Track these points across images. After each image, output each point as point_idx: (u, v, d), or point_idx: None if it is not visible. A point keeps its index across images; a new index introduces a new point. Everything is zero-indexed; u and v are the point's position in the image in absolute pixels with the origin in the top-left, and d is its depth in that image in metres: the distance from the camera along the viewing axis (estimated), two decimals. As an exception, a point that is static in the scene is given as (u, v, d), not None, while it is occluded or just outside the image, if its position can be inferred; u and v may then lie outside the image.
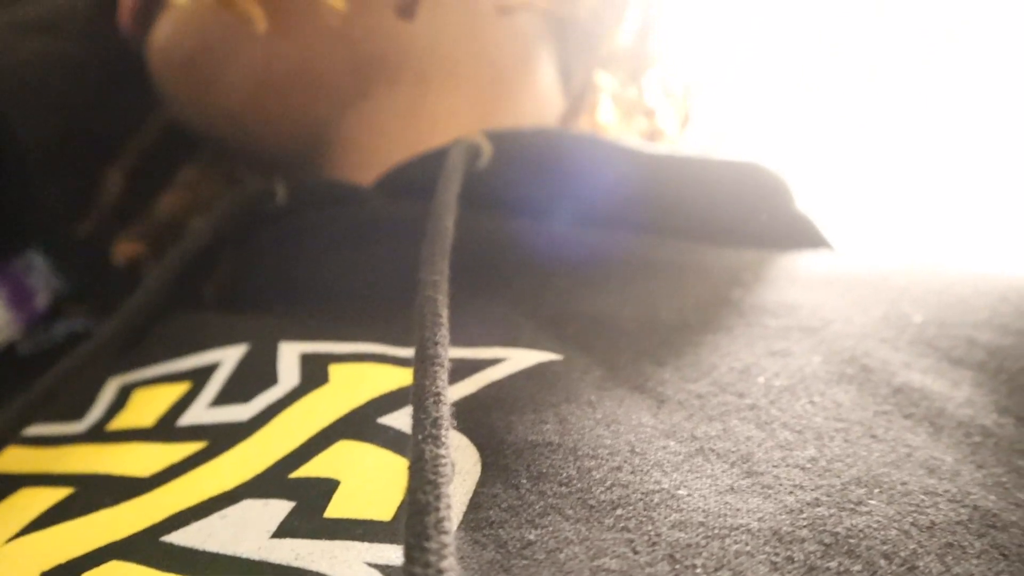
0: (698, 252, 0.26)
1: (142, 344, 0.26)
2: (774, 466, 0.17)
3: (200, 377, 0.23)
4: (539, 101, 0.32)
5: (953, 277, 0.24)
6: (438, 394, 0.16)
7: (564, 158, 0.27)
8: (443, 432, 0.15)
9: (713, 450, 0.17)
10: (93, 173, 0.36)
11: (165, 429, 0.22)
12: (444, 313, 0.18)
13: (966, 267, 0.25)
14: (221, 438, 0.20)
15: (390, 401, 0.19)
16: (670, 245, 0.26)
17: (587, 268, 0.24)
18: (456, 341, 0.20)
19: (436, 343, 0.17)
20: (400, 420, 0.18)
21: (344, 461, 0.18)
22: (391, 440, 0.18)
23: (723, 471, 0.17)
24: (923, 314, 0.22)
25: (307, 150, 0.31)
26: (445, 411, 0.15)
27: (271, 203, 0.28)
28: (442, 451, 0.14)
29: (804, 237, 0.29)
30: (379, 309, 0.23)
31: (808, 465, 0.17)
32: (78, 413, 0.24)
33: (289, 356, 0.22)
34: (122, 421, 0.23)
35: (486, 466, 0.17)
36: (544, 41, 0.32)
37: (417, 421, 0.15)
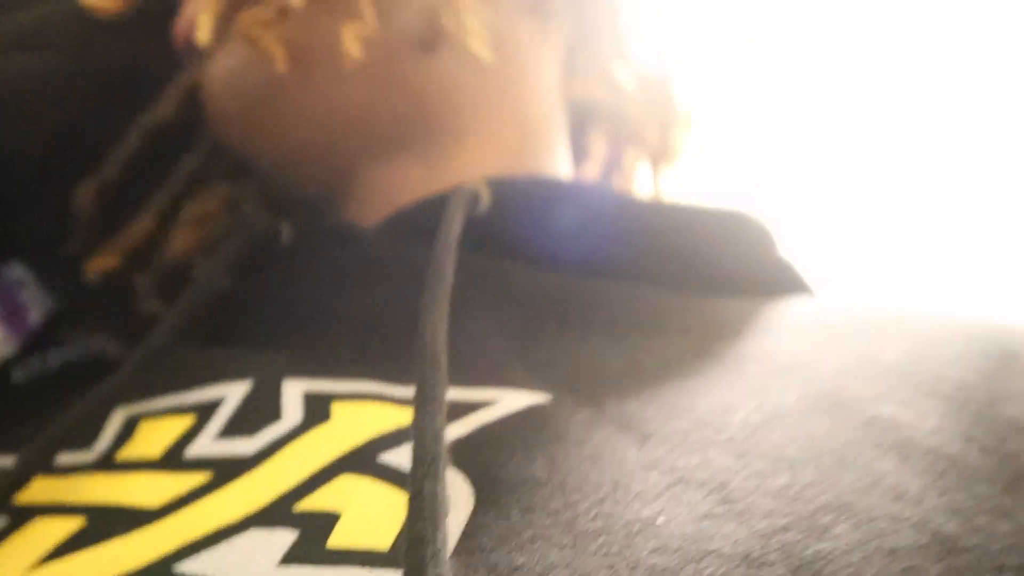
0: (683, 305, 0.28)
1: (147, 375, 0.28)
2: (748, 494, 0.19)
3: (205, 411, 0.25)
4: (557, 165, 0.34)
5: (922, 323, 0.27)
6: (437, 433, 0.18)
7: (558, 205, 0.29)
8: (441, 469, 0.17)
9: (692, 480, 0.19)
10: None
11: (172, 460, 0.23)
12: (443, 358, 0.20)
13: (935, 313, 0.28)
14: (227, 470, 0.22)
15: (390, 440, 0.21)
16: (658, 296, 0.28)
17: (577, 316, 0.27)
18: (453, 380, 0.22)
19: (435, 385, 0.19)
20: (399, 458, 0.20)
21: (346, 494, 0.20)
22: (391, 476, 0.20)
23: (701, 499, 0.19)
24: (894, 354, 0.24)
25: (333, 190, 0.33)
26: (443, 450, 0.17)
27: (276, 242, 0.30)
28: (440, 487, 0.16)
29: (786, 283, 0.31)
30: (380, 347, 0.25)
31: (780, 493, 0.19)
32: (86, 442, 0.26)
33: (293, 393, 0.24)
34: (130, 451, 0.25)
35: (479, 501, 0.19)
36: (563, 110, 0.36)
37: (417, 458, 0.17)
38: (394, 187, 0.31)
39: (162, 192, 0.38)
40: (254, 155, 0.34)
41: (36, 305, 0.39)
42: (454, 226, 0.25)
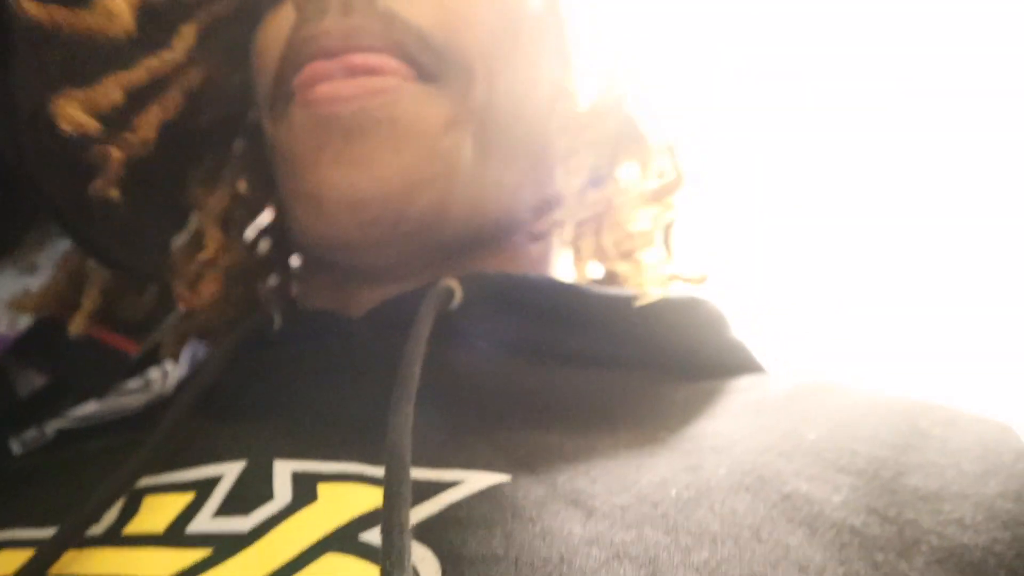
0: (638, 392, 0.33)
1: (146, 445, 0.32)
2: (674, 567, 0.23)
3: (204, 488, 0.29)
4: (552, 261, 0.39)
5: (845, 402, 0.32)
6: (402, 526, 0.22)
7: (524, 299, 0.33)
8: (406, 557, 0.22)
9: (627, 554, 0.24)
10: None
11: (175, 535, 0.28)
12: (407, 455, 0.25)
13: (860, 389, 0.33)
14: (225, 546, 0.26)
15: (368, 520, 0.25)
16: (616, 383, 0.33)
17: (540, 403, 0.31)
18: (424, 461, 0.27)
19: (401, 482, 0.23)
20: (377, 537, 0.24)
21: (330, 571, 0.24)
22: (369, 554, 0.24)
23: (633, 572, 0.23)
24: (817, 432, 0.29)
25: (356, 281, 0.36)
26: (407, 540, 0.22)
27: (269, 329, 0.34)
28: (406, 573, 0.21)
29: (738, 363, 0.36)
30: (359, 431, 0.29)
31: (701, 566, 0.23)
32: (96, 515, 0.29)
33: (283, 473, 0.28)
34: (136, 526, 0.29)
35: (445, 575, 0.23)
36: None
37: (385, 549, 0.22)
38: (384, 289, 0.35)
39: (207, 213, 0.39)
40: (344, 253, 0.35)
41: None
42: (425, 326, 0.29)
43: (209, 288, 0.39)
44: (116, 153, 0.35)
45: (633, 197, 0.40)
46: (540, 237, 0.38)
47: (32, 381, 0.44)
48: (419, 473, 0.27)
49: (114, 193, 0.35)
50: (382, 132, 0.32)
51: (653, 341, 0.34)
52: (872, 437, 0.29)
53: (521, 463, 0.27)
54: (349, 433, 0.30)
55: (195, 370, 0.33)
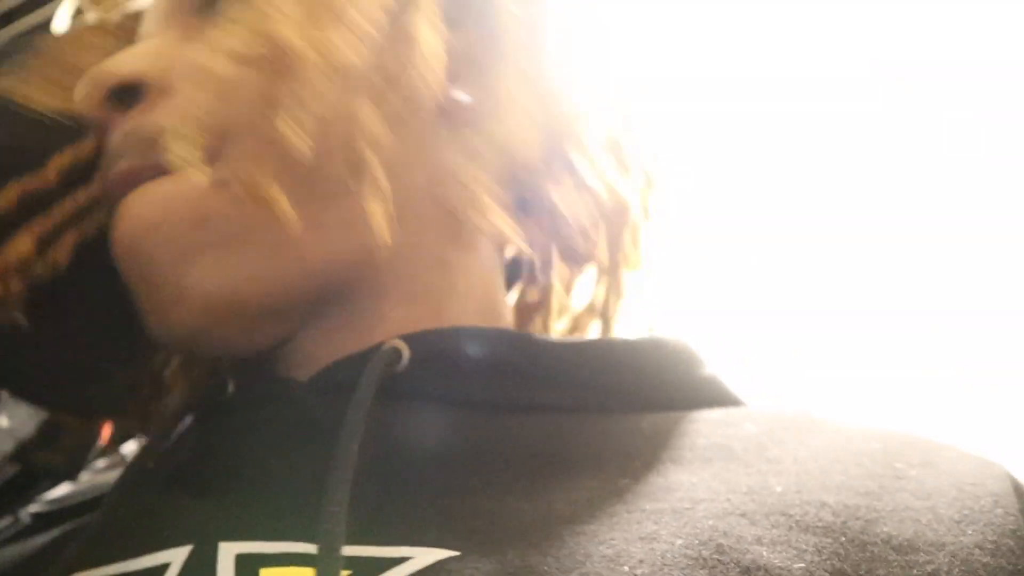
0: (600, 431, 0.32)
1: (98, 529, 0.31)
2: None
3: None
4: (488, 301, 0.37)
5: (822, 440, 0.30)
6: None
7: (474, 353, 0.33)
8: None
9: None
10: None
11: None
12: (340, 544, 0.25)
13: (839, 424, 0.31)
14: None
15: None
16: (575, 425, 0.32)
17: (495, 461, 0.30)
18: (369, 539, 0.26)
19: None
20: None
21: None
22: None
23: None
24: (784, 484, 0.28)
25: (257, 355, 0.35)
26: None
27: (223, 395, 0.34)
28: None
29: (710, 398, 0.35)
30: (305, 505, 0.28)
31: None
32: None
33: (226, 558, 0.27)
34: None
35: None
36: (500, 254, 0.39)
37: None
38: (321, 349, 0.34)
39: None
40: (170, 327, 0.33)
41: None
42: (366, 396, 0.29)
43: (177, 395, 0.40)
44: (15, 285, 0.34)
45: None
46: (535, 308, 0.37)
47: (5, 470, 0.44)
48: (365, 551, 0.26)
49: (20, 320, 0.34)
50: (156, 215, 0.32)
51: (615, 383, 0.34)
52: (843, 484, 0.28)
53: (470, 535, 0.27)
54: (294, 509, 0.29)
55: (146, 444, 0.33)
